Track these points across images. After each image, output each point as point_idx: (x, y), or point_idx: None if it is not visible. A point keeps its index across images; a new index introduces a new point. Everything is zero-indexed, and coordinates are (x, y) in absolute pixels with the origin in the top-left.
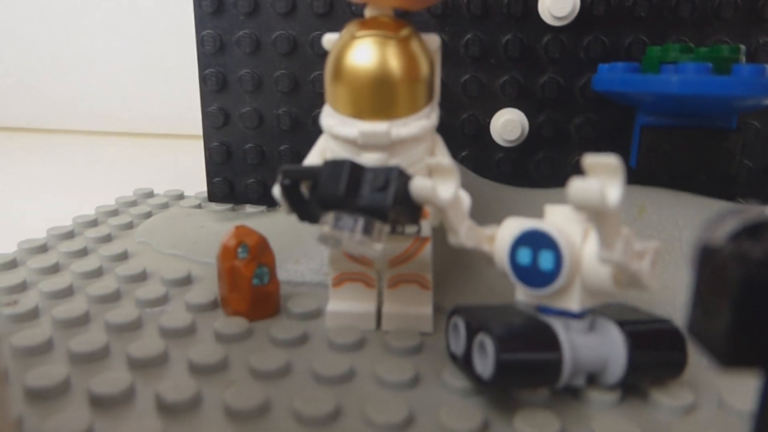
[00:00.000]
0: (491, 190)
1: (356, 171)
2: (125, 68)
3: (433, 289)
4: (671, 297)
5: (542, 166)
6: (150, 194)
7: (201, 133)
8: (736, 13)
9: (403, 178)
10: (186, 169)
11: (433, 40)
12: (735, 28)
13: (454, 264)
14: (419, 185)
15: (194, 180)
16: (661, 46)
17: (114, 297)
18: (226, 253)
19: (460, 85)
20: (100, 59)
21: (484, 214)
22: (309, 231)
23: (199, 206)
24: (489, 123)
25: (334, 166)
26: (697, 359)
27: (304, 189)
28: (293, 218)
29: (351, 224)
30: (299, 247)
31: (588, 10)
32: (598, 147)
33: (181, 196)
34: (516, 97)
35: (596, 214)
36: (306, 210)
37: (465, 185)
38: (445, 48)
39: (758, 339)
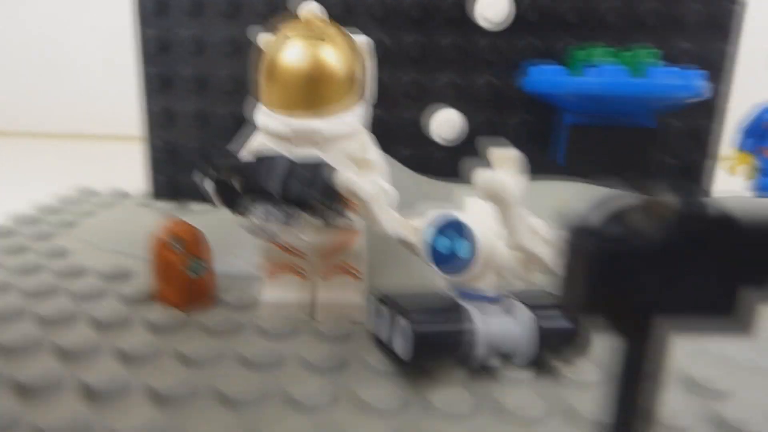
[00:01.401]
0: (426, 185)
1: (285, 165)
2: (64, 68)
3: (365, 280)
4: None
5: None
6: (93, 193)
7: (143, 133)
8: (659, 21)
9: (329, 172)
10: (131, 169)
11: (363, 41)
12: (657, 35)
13: (386, 255)
14: (343, 179)
15: (139, 179)
16: (586, 50)
17: (48, 291)
18: (159, 246)
19: (401, 86)
20: (37, 58)
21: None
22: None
23: (144, 205)
24: (428, 123)
25: (264, 160)
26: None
27: (235, 182)
28: (227, 214)
29: (280, 216)
30: (237, 241)
31: (522, 15)
32: (532, 145)
33: (125, 195)
34: (454, 98)
35: (500, 202)
36: (236, 202)
37: (400, 180)
38: (386, 50)
39: (606, 300)
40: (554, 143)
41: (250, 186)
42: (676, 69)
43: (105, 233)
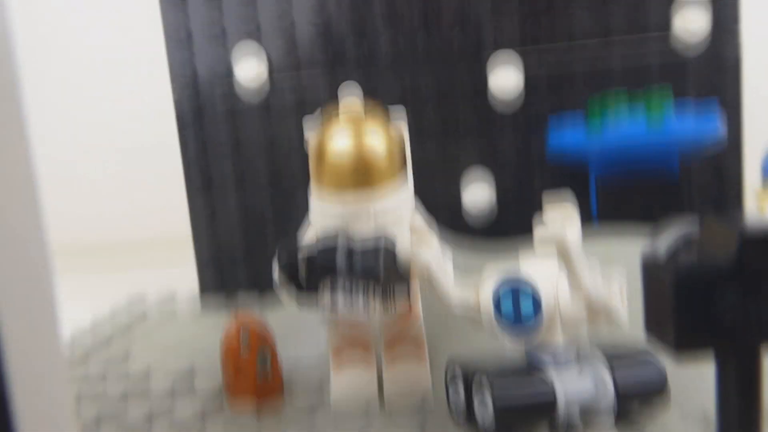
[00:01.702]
0: (469, 245)
1: (347, 243)
2: (103, 178)
3: (428, 356)
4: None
5: (515, 223)
6: (142, 298)
7: (181, 233)
8: (663, 67)
9: (389, 246)
10: (173, 269)
11: (400, 121)
12: (666, 78)
13: (445, 331)
14: (405, 250)
15: (184, 279)
16: (601, 100)
17: (122, 398)
18: (229, 341)
19: (427, 160)
20: (76, 171)
21: (464, 266)
22: (304, 316)
23: (191, 302)
24: (459, 191)
25: (326, 241)
26: (680, 384)
27: (302, 267)
28: (288, 306)
29: (347, 296)
30: (296, 334)
31: (533, 79)
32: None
33: (173, 296)
34: (482, 167)
35: (562, 252)
36: (303, 288)
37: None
38: (409, 128)
39: (696, 328)
40: (586, 197)
41: (317, 266)
42: (692, 112)
43: (160, 334)
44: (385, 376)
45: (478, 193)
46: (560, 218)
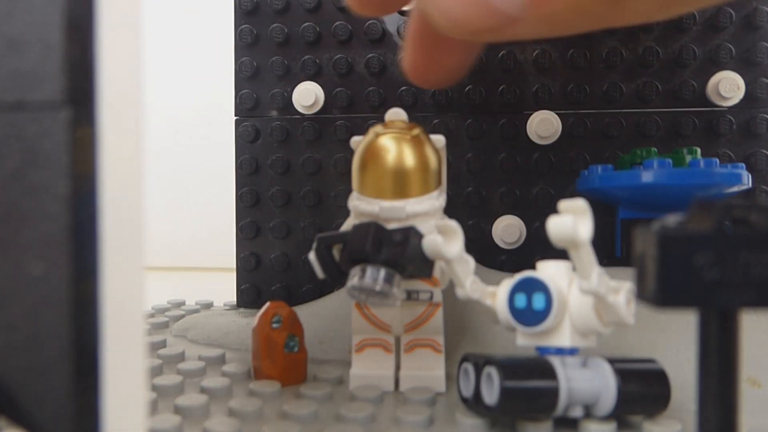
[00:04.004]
0: (494, 276)
1: (379, 231)
2: (155, 205)
3: (445, 354)
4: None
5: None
6: (182, 303)
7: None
8: (695, 131)
9: (417, 235)
10: (215, 294)
11: (439, 139)
12: (695, 143)
13: (463, 330)
14: (431, 240)
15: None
16: (630, 153)
17: (157, 371)
18: (262, 323)
19: (463, 197)
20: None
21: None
22: (331, 316)
23: (228, 309)
24: (491, 229)
25: (360, 227)
26: (682, 394)
27: (335, 253)
28: (316, 307)
29: (375, 275)
30: (322, 331)
31: (569, 131)
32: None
33: (210, 305)
34: (513, 206)
35: (572, 246)
36: (336, 271)
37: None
38: (448, 165)
39: (679, 285)
40: (612, 238)
41: (349, 249)
42: (714, 160)
43: (197, 330)
44: (402, 363)
45: (509, 235)
46: (573, 212)
